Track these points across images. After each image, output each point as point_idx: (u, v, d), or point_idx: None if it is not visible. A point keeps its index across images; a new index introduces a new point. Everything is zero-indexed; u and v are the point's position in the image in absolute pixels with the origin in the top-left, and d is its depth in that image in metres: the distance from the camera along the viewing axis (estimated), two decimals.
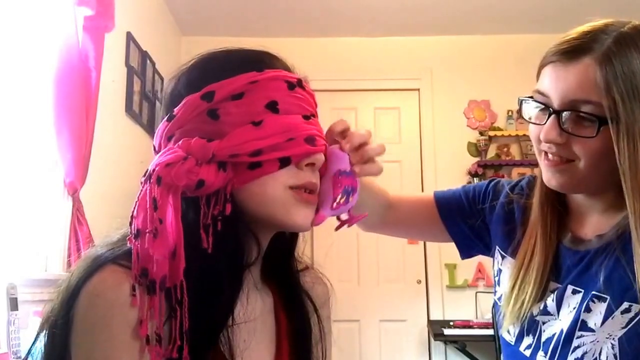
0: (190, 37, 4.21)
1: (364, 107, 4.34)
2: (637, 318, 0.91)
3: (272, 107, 0.75)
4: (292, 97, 0.77)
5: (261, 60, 0.78)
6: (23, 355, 1.75)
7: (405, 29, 4.23)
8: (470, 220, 1.21)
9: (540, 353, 1.02)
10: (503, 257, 1.14)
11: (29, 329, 1.88)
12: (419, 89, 4.31)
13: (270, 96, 0.75)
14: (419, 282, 4.06)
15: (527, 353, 1.05)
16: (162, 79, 3.61)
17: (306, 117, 0.78)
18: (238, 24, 4.07)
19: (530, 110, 1.02)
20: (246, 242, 0.78)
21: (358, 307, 4.00)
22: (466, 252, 1.26)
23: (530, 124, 1.03)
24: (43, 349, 0.72)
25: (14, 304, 1.82)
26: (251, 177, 0.74)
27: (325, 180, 0.83)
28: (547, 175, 1.01)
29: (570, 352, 0.97)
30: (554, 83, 0.96)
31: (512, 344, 1.09)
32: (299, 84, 0.79)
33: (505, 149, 4.19)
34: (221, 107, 0.74)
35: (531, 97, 1.01)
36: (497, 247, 1.16)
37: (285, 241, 0.87)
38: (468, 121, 4.26)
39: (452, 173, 4.17)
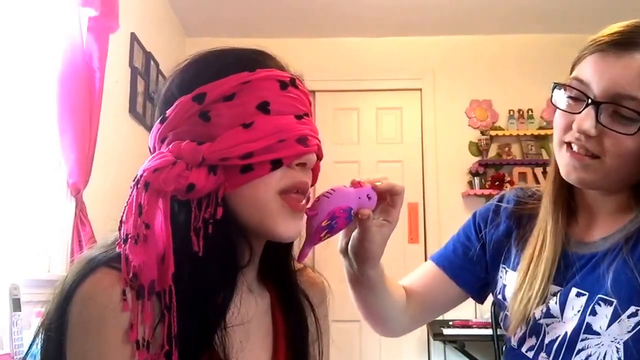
0: (194, 38, 4.21)
1: (366, 107, 4.34)
2: None
3: (263, 107, 0.74)
4: (284, 97, 0.76)
5: (253, 60, 0.77)
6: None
7: (407, 29, 4.24)
8: (474, 260, 1.18)
9: (543, 355, 1.01)
10: (506, 272, 1.12)
11: (32, 329, 1.86)
12: (421, 89, 4.31)
13: (261, 96, 0.74)
14: None
15: (530, 355, 1.04)
16: (165, 80, 3.60)
17: (299, 117, 0.76)
18: (241, 25, 4.07)
19: (563, 97, 0.98)
20: (238, 246, 0.77)
21: None
22: (481, 296, 1.21)
23: (558, 112, 0.98)
24: (39, 352, 0.72)
25: (16, 305, 1.81)
26: (243, 180, 0.73)
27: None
28: (568, 169, 0.97)
29: (574, 354, 0.96)
30: (599, 72, 0.91)
31: (515, 347, 1.08)
32: (292, 82, 0.77)
33: (507, 149, 4.19)
34: (212, 109, 0.73)
35: (564, 85, 0.97)
36: (502, 265, 1.14)
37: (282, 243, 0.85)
38: (470, 121, 4.26)
39: (453, 172, 4.17)
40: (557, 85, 0.98)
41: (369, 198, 0.86)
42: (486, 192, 4.00)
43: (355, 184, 0.86)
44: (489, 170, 4.15)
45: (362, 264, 0.95)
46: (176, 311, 0.68)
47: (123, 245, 0.69)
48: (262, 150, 0.72)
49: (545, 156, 4.13)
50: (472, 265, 1.18)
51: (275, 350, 0.83)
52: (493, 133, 4.18)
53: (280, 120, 0.74)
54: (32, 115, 2.21)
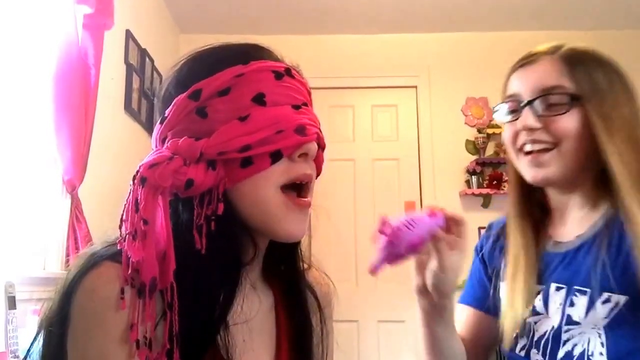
0: (189, 35, 4.19)
1: (361, 104, 4.32)
2: (618, 307, 0.96)
3: (259, 99, 0.74)
4: (280, 87, 0.75)
5: (247, 53, 0.77)
6: (21, 355, 1.74)
7: (403, 25, 4.22)
8: (487, 285, 1.23)
9: (534, 351, 1.06)
10: (501, 283, 1.18)
11: (27, 327, 1.87)
12: (416, 86, 4.29)
13: (256, 89, 0.74)
14: None
15: (522, 354, 1.08)
16: (161, 76, 3.59)
17: (296, 107, 0.76)
18: (236, 21, 4.06)
19: (503, 115, 1.13)
20: (242, 243, 0.76)
21: (356, 307, 3.96)
22: None
23: (505, 128, 1.13)
24: (41, 348, 0.72)
25: (12, 303, 1.81)
26: (243, 175, 0.72)
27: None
28: (531, 172, 1.07)
29: (562, 345, 1.01)
30: (522, 81, 1.09)
31: (507, 350, 1.12)
32: (288, 72, 0.77)
33: (504, 147, 4.16)
34: (209, 105, 0.73)
35: (501, 103, 1.13)
36: (500, 282, 1.19)
37: None
38: (466, 118, 4.25)
39: (450, 171, 4.16)
40: (495, 108, 1.16)
41: (439, 226, 0.91)
42: (484, 191, 3.99)
43: (431, 214, 0.90)
44: (486, 169, 4.13)
45: (442, 298, 0.97)
46: (178, 309, 0.68)
47: (123, 243, 0.69)
48: (260, 142, 0.72)
49: None
50: (488, 290, 1.21)
51: (277, 349, 0.82)
52: (490, 131, 4.16)
53: (276, 111, 0.74)
54: (28, 113, 2.19)
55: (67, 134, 2.20)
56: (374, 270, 0.89)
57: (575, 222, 1.09)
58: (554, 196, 1.13)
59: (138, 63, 3.25)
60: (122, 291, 0.66)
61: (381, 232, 0.88)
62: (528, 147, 1.06)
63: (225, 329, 0.73)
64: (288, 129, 0.73)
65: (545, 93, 1.05)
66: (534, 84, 1.07)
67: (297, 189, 0.77)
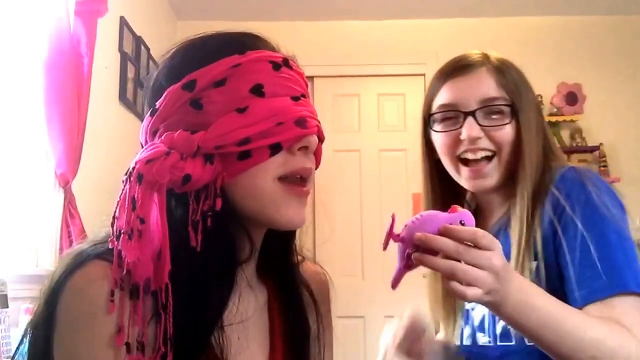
0: (186, 22, 4.12)
1: (367, 93, 4.25)
2: (532, 273, 1.03)
3: (257, 90, 0.72)
4: (278, 78, 0.74)
5: (243, 42, 0.76)
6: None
7: (410, 11, 4.14)
8: None
9: (479, 334, 1.13)
10: None
11: (20, 327, 1.86)
12: (424, 74, 4.15)
13: (254, 79, 0.73)
14: (425, 276, 3.99)
15: (469, 342, 1.15)
16: (157, 65, 3.54)
17: (295, 98, 0.75)
18: (235, 7, 3.98)
19: (437, 125, 1.17)
20: (238, 239, 0.75)
21: (362, 302, 3.90)
22: None
23: (439, 138, 1.16)
24: (27, 350, 0.70)
25: (4, 301, 1.79)
26: (241, 168, 0.71)
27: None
28: (473, 182, 1.13)
29: (497, 321, 1.09)
30: (460, 92, 1.14)
31: (458, 342, 1.18)
32: (285, 63, 0.76)
33: None
34: (204, 96, 0.72)
35: (434, 114, 1.17)
36: None
37: (282, 234, 0.83)
38: None
39: None
40: (430, 116, 1.19)
41: (462, 223, 0.80)
42: None
43: (452, 209, 0.83)
44: None
45: None
46: (172, 310, 0.67)
47: (116, 242, 0.67)
48: (259, 135, 0.71)
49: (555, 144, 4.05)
50: None
51: (272, 348, 0.81)
52: None
53: (276, 103, 0.73)
54: (18, 104, 2.19)
55: (59, 126, 2.19)
56: (394, 284, 0.83)
57: (494, 214, 1.19)
58: (480, 197, 1.22)
59: (133, 51, 3.21)
60: (112, 293, 0.65)
61: (391, 234, 0.80)
62: (469, 156, 1.12)
63: (220, 329, 0.71)
64: (288, 121, 0.72)
65: (488, 104, 1.11)
66: (473, 95, 1.12)
67: (296, 180, 0.76)
